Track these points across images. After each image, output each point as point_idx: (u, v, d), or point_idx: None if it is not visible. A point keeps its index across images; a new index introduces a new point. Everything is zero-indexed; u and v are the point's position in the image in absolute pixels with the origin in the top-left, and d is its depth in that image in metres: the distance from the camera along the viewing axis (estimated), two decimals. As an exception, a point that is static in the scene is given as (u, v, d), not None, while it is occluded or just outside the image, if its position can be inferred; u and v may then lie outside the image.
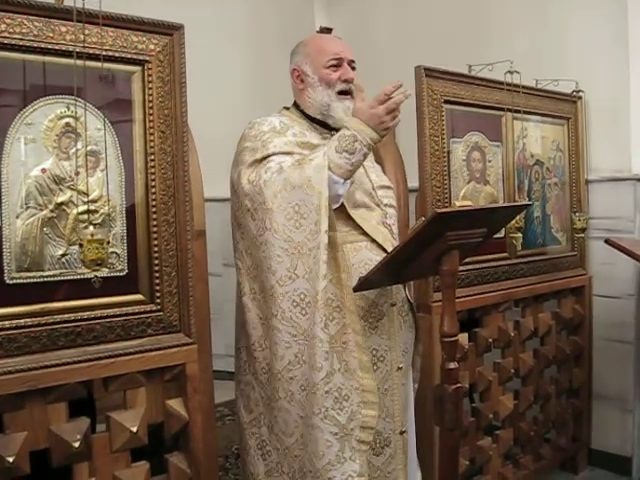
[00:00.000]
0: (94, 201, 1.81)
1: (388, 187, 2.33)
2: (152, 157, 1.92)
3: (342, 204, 2.06)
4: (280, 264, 1.96)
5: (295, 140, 2.09)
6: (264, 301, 2.01)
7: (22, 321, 1.72)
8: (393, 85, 1.93)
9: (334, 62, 2.15)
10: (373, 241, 2.12)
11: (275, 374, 1.99)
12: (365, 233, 2.11)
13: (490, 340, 2.89)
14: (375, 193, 2.21)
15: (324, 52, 2.17)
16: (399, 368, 2.13)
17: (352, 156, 1.94)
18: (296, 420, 1.98)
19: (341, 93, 2.15)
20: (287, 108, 2.29)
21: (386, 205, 2.24)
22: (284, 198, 1.93)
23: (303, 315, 1.95)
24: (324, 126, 2.20)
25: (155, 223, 1.93)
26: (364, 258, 2.08)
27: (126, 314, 1.89)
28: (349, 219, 2.09)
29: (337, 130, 2.19)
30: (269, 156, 2.02)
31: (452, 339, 1.90)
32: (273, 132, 2.09)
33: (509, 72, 2.91)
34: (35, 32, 1.73)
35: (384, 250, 2.10)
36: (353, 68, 2.19)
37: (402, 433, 2.14)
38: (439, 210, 1.78)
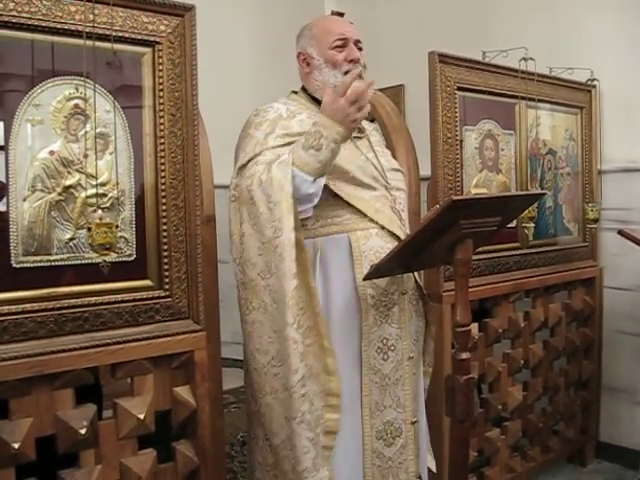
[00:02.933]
0: (103, 184, 1.78)
1: (397, 170, 2.29)
2: (162, 140, 1.89)
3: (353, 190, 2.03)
4: (260, 257, 1.93)
5: (298, 131, 2.03)
6: (249, 292, 1.98)
7: (29, 306, 1.70)
8: (351, 75, 1.87)
9: (339, 43, 2.12)
10: (383, 228, 2.09)
11: (261, 368, 1.96)
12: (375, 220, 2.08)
13: (500, 330, 2.87)
14: (384, 176, 2.18)
15: (329, 33, 2.14)
16: (410, 357, 2.10)
17: (319, 152, 1.86)
18: (280, 420, 1.94)
19: (348, 73, 2.11)
20: (295, 92, 2.26)
21: (394, 188, 2.20)
22: (255, 192, 1.90)
23: (278, 313, 1.92)
24: None
25: (164, 208, 1.90)
26: (374, 245, 2.05)
27: (134, 300, 1.86)
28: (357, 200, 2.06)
29: None
30: (257, 155, 1.98)
31: (465, 329, 1.88)
32: (279, 119, 2.06)
33: (523, 59, 2.86)
34: (44, 11, 1.70)
35: (394, 236, 2.07)
36: (360, 49, 2.16)
37: (413, 423, 2.11)
38: (455, 197, 1.75)
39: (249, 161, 1.99)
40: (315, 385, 1.94)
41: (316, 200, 1.96)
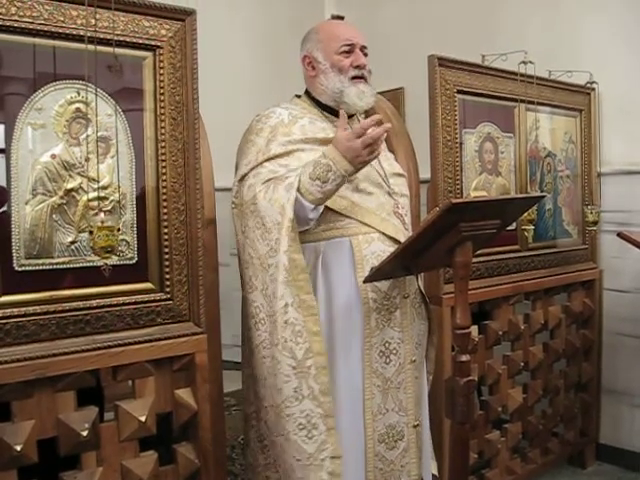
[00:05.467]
0: (104, 188, 1.79)
1: (400, 175, 2.30)
2: (163, 144, 1.90)
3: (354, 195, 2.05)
4: (246, 270, 2.02)
5: (300, 138, 2.07)
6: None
7: (31, 309, 1.70)
8: (372, 119, 1.88)
9: (346, 48, 2.13)
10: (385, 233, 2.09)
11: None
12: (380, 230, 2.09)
13: (500, 333, 2.87)
14: (387, 181, 2.19)
15: (336, 38, 2.14)
16: (412, 361, 2.11)
17: (325, 184, 1.90)
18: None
19: (354, 78, 2.13)
20: (298, 96, 2.27)
21: (397, 194, 2.20)
22: (259, 206, 1.94)
23: (256, 330, 1.99)
24: (336, 114, 2.18)
25: (165, 211, 1.91)
26: (376, 250, 2.06)
27: (135, 303, 1.87)
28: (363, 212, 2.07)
29: (350, 117, 2.17)
30: (259, 165, 2.02)
31: (465, 331, 1.89)
32: (280, 125, 2.08)
33: (523, 62, 2.87)
34: (45, 16, 1.70)
35: (397, 241, 2.08)
36: (365, 54, 2.17)
37: (416, 427, 2.12)
38: (454, 200, 1.76)
39: (251, 170, 2.02)
40: (318, 408, 1.93)
41: (312, 223, 2.00)
